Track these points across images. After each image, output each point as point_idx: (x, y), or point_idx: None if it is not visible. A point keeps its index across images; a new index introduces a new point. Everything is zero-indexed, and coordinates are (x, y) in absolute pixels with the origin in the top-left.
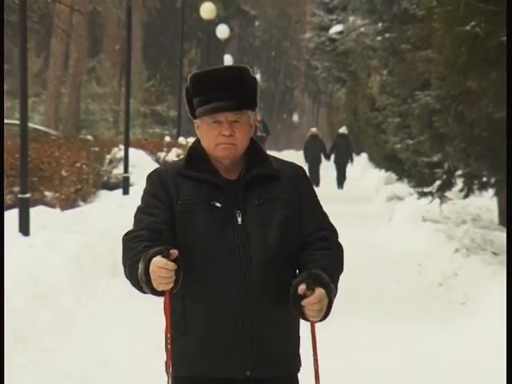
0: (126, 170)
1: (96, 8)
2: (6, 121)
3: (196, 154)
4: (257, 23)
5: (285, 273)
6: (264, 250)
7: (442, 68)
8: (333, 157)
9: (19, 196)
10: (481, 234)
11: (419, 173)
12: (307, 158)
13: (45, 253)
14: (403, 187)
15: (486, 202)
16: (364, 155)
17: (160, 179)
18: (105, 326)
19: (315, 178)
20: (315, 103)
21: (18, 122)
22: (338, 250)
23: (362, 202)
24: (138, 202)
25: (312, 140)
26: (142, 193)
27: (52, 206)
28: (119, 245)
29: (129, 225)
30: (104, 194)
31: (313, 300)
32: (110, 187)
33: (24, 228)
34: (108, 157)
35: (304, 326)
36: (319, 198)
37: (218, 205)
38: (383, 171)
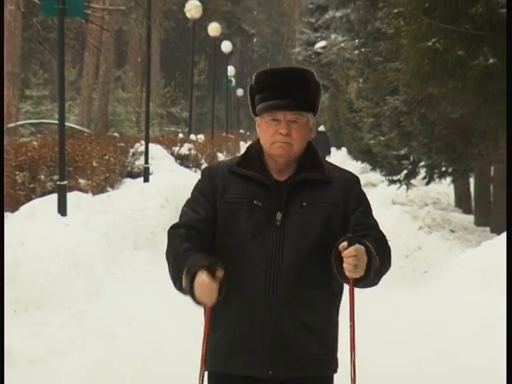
0: (146, 161)
1: (122, 27)
2: (46, 120)
3: (252, 151)
4: (255, 40)
5: (318, 278)
6: (298, 253)
7: (408, 77)
8: None
9: (58, 183)
10: (440, 215)
11: (389, 164)
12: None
13: (79, 230)
14: (376, 176)
15: (445, 188)
16: (344, 149)
17: (210, 175)
18: (129, 291)
19: None
20: None
21: (56, 121)
22: (385, 244)
23: None
24: (156, 188)
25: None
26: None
27: (85, 191)
28: (140, 223)
29: (148, 206)
30: (128, 181)
31: (350, 252)
32: (133, 176)
33: (62, 209)
34: (131, 150)
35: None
36: None
37: (259, 204)
38: (359, 162)
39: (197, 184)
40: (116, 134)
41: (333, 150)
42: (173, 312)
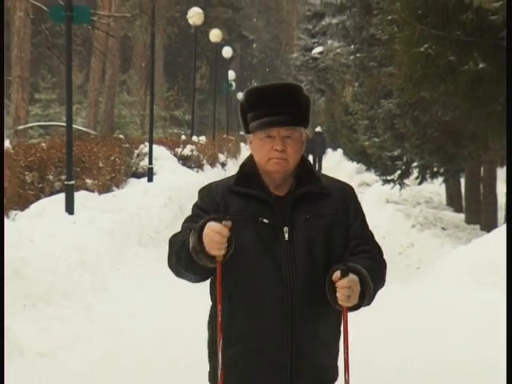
0: (150, 162)
1: (127, 33)
2: (54, 123)
3: (247, 169)
4: (254, 45)
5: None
6: (309, 266)
7: (402, 81)
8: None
9: (65, 183)
10: (432, 213)
11: (383, 164)
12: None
13: (85, 228)
14: (371, 176)
15: (437, 188)
16: (340, 150)
17: (210, 195)
18: (134, 286)
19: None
20: None
21: (64, 124)
22: (381, 262)
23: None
24: (160, 188)
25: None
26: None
27: (91, 190)
28: (145, 221)
29: (152, 205)
30: (133, 181)
31: (343, 283)
32: (138, 176)
33: (69, 208)
34: (136, 151)
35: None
36: None
37: (265, 221)
38: (355, 163)
39: (196, 203)
40: (121, 136)
41: (329, 151)
42: (176, 307)
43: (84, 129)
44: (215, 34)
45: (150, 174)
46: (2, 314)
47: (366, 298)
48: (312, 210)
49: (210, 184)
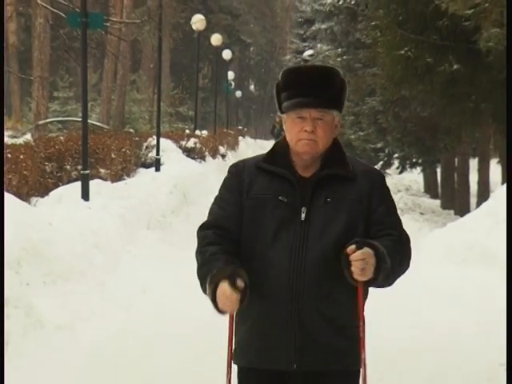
0: (157, 153)
1: (137, 38)
2: (71, 118)
3: (279, 148)
4: (251, 49)
5: (340, 272)
6: (322, 248)
7: (384, 81)
8: None
9: (81, 172)
10: (411, 200)
11: (368, 156)
12: None
13: (99, 213)
14: None
15: (415, 177)
16: None
17: (237, 172)
18: (143, 265)
19: None
20: None
21: (80, 119)
22: (405, 245)
23: None
24: (166, 176)
25: None
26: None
27: (104, 179)
28: (153, 207)
29: (159, 192)
30: (142, 170)
31: (357, 255)
32: (146, 166)
33: (85, 195)
34: (145, 144)
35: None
36: None
37: (284, 200)
38: None
39: (224, 181)
40: (131, 130)
41: None
42: (182, 285)
43: (98, 123)
44: (216, 38)
45: (157, 165)
46: (2, 314)
47: (381, 272)
48: (333, 194)
49: (238, 162)
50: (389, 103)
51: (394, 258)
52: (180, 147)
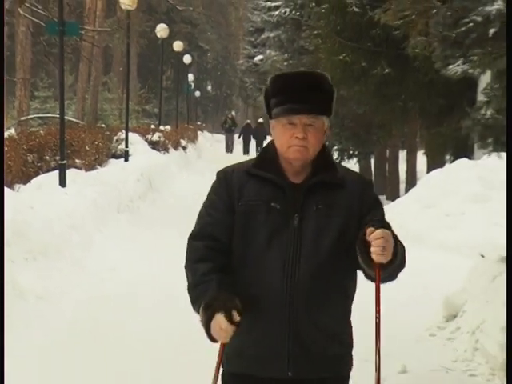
0: (126, 145)
1: (108, 44)
2: (50, 115)
3: (267, 154)
4: (209, 54)
5: (334, 280)
6: (315, 255)
7: None
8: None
9: (59, 162)
10: None
11: None
12: (243, 136)
13: (75, 198)
14: None
15: (352, 166)
16: None
17: (226, 178)
18: (113, 245)
19: (247, 148)
20: (246, 104)
21: (58, 115)
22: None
23: None
24: (134, 166)
25: (247, 126)
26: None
27: (80, 168)
28: (122, 193)
29: (128, 180)
30: (112, 161)
31: (377, 234)
32: (116, 157)
33: (62, 182)
34: (115, 138)
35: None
36: (246, 159)
37: (277, 206)
38: None
39: (212, 186)
40: (103, 125)
41: (268, 137)
42: (148, 261)
43: (74, 119)
44: (178, 45)
45: (126, 156)
46: (2, 313)
47: (398, 255)
48: (324, 200)
49: (227, 168)
50: None
51: (401, 247)
52: (146, 140)
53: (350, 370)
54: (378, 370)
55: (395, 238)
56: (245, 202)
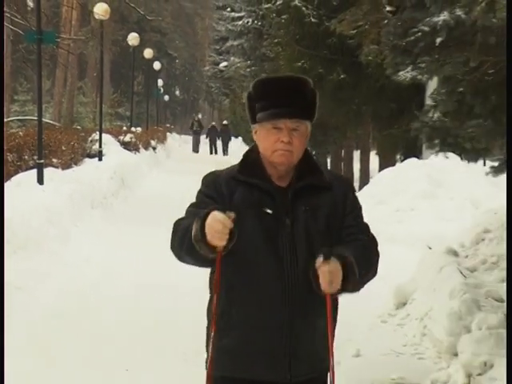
0: (100, 146)
1: (83, 51)
2: (29, 117)
3: (250, 159)
4: (177, 61)
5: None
6: (309, 256)
7: None
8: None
9: (37, 161)
10: None
11: None
12: (209, 137)
13: (52, 194)
14: None
15: None
16: (240, 138)
17: (215, 182)
18: (88, 238)
19: (214, 148)
20: (211, 107)
21: (36, 118)
22: (372, 250)
23: None
24: (107, 165)
25: (212, 128)
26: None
27: (56, 167)
28: (96, 190)
29: (101, 178)
30: (87, 160)
31: (324, 270)
32: (91, 156)
33: (40, 180)
34: (89, 138)
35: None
36: (209, 159)
37: (268, 211)
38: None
39: (201, 190)
40: (79, 127)
41: (233, 138)
42: (120, 254)
43: (51, 121)
44: (148, 52)
45: (99, 155)
46: (2, 310)
47: (349, 284)
48: (311, 203)
49: (214, 172)
50: None
51: (362, 265)
52: (118, 141)
53: (327, 371)
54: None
55: (348, 267)
56: (235, 207)
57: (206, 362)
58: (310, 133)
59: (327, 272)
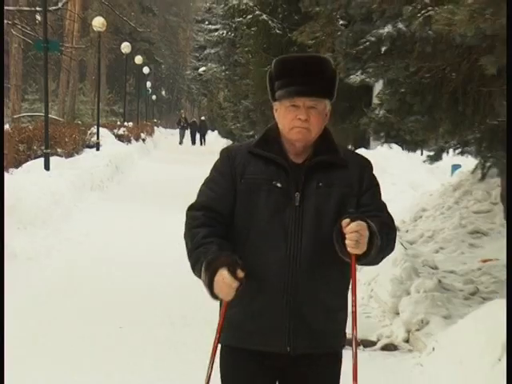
0: (97, 138)
1: (83, 58)
2: (37, 113)
3: (270, 134)
4: (163, 66)
5: (334, 256)
6: (316, 232)
7: (254, 89)
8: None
9: (44, 151)
10: None
11: (243, 140)
12: (190, 130)
13: (57, 179)
14: None
15: None
16: (216, 132)
17: (229, 156)
18: (87, 216)
19: (194, 140)
20: (192, 105)
21: (43, 114)
22: (391, 227)
23: (214, 154)
24: (104, 154)
25: (193, 123)
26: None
27: (61, 156)
28: (94, 175)
29: (99, 165)
30: (86, 150)
31: (352, 227)
32: (90, 147)
33: (46, 167)
34: (89, 132)
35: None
36: (191, 149)
37: (278, 185)
38: (225, 139)
39: (215, 164)
40: (79, 122)
41: (209, 132)
42: (116, 229)
43: (56, 117)
44: (138, 59)
45: (97, 146)
46: (3, 314)
47: (373, 247)
48: (325, 179)
49: (230, 146)
50: (257, 104)
51: (383, 236)
52: (113, 134)
53: (343, 346)
54: (354, 356)
55: (372, 230)
56: (247, 180)
57: (216, 331)
58: (329, 111)
59: (354, 230)
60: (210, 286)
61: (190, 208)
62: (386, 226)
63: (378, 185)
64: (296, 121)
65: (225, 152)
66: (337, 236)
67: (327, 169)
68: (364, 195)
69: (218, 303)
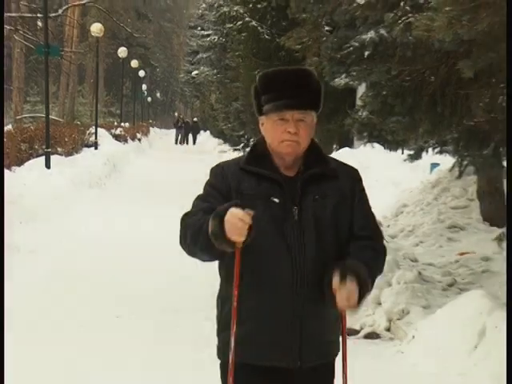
0: (95, 137)
1: (82, 62)
2: (38, 114)
3: (258, 150)
4: (158, 69)
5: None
6: (318, 243)
7: (244, 91)
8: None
9: (45, 150)
10: None
11: (233, 139)
12: (184, 130)
13: (57, 177)
14: (226, 146)
15: None
16: (208, 132)
17: (222, 173)
18: (85, 211)
19: (186, 139)
20: (185, 107)
21: (44, 115)
22: (381, 251)
23: (206, 153)
24: (102, 153)
25: (186, 123)
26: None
27: (61, 154)
28: (92, 173)
29: (97, 163)
30: (85, 149)
31: (342, 293)
32: (88, 146)
33: (47, 165)
34: (87, 132)
35: None
36: (183, 148)
37: (276, 200)
38: (217, 139)
39: (208, 181)
40: (79, 123)
41: (202, 132)
42: (111, 222)
43: (56, 118)
44: (134, 63)
45: (95, 145)
46: (3, 313)
47: (363, 299)
48: (320, 191)
49: (221, 163)
50: (247, 106)
51: (374, 272)
52: (111, 134)
53: (336, 355)
54: (344, 353)
55: (363, 282)
56: (243, 196)
57: (218, 349)
58: (315, 123)
59: (345, 293)
60: (220, 228)
61: (184, 215)
62: (377, 255)
63: (366, 195)
64: (285, 134)
65: (216, 169)
66: (327, 289)
67: (319, 180)
68: (356, 208)
69: (217, 302)
